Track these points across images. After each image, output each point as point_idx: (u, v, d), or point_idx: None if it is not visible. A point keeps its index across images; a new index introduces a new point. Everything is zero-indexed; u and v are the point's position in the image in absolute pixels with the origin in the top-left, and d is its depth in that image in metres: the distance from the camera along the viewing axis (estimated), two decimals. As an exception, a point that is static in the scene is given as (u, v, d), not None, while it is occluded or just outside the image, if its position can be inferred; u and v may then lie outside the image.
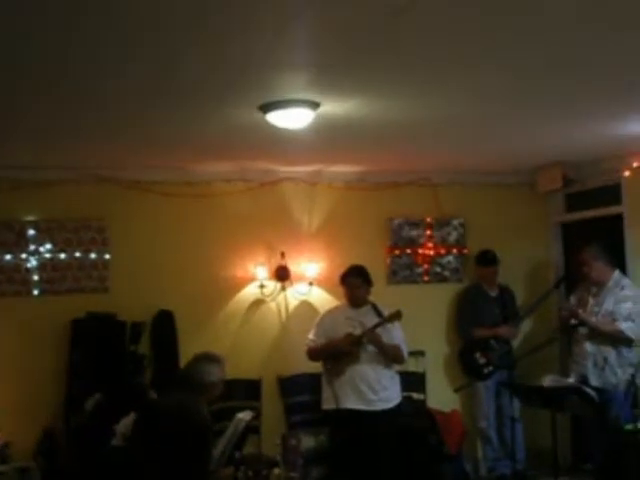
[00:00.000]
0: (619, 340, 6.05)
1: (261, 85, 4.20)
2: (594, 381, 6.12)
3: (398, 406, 5.95)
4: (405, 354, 5.98)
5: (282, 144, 5.65)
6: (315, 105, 4.57)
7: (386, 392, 5.85)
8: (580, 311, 6.24)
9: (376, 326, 5.73)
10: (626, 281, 6.24)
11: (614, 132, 5.64)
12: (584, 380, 6.12)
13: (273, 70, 3.94)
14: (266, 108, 4.59)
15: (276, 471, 3.44)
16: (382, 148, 6.11)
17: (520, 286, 7.37)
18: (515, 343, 7.10)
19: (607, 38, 3.56)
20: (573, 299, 6.48)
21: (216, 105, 4.61)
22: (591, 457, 6.42)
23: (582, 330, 6.26)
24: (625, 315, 6.03)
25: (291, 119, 4.65)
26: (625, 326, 5.99)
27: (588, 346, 6.21)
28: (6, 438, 5.85)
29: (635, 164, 6.43)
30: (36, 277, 6.44)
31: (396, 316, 5.79)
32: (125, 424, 3.78)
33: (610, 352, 6.11)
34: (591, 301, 6.28)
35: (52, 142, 5.54)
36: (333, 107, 4.65)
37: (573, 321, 6.24)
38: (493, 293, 7.16)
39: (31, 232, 6.44)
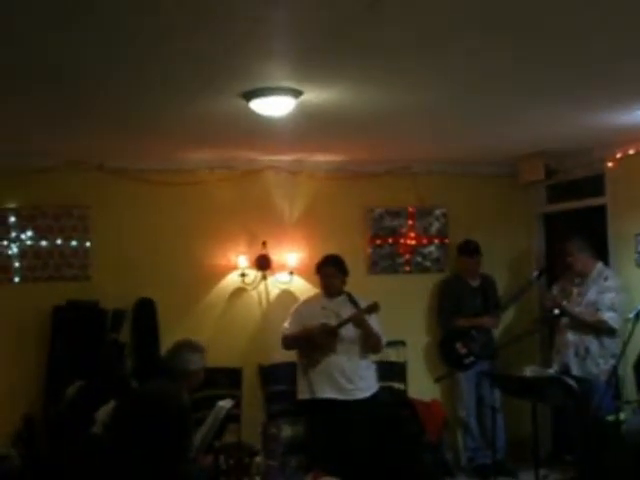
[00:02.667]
0: (602, 330, 6.09)
1: (244, 73, 4.18)
2: (575, 371, 6.16)
3: (375, 395, 5.93)
4: (383, 343, 5.97)
5: (264, 132, 5.63)
6: (297, 93, 4.56)
7: (362, 382, 5.82)
8: (564, 302, 6.27)
9: (352, 318, 5.70)
10: (609, 272, 6.28)
11: (597, 123, 5.64)
12: (566, 370, 6.16)
13: (256, 58, 3.92)
14: (249, 96, 4.57)
15: (257, 459, 3.43)
16: (364, 137, 6.10)
17: (502, 276, 7.39)
18: (496, 333, 7.12)
19: (592, 28, 3.55)
20: (556, 289, 6.51)
21: (199, 93, 4.58)
22: (571, 448, 6.45)
23: (564, 320, 6.29)
24: (608, 305, 6.07)
25: (273, 107, 4.63)
26: (608, 316, 6.03)
27: (570, 336, 6.25)
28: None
29: (618, 155, 6.44)
30: (17, 264, 6.41)
31: (373, 308, 5.73)
32: (105, 411, 3.78)
33: (592, 342, 6.15)
34: (574, 292, 6.32)
35: (34, 129, 5.49)
36: (315, 95, 4.64)
37: (556, 311, 6.27)
38: (474, 283, 7.17)
39: (12, 219, 6.41)
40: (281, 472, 3.39)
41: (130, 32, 3.49)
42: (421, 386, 7.01)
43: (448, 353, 6.99)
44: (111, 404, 3.71)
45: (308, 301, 6.14)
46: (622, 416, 5.65)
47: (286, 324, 5.98)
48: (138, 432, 2.64)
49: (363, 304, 5.77)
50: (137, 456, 2.61)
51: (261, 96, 4.55)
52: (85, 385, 4.70)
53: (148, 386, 3.56)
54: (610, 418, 5.74)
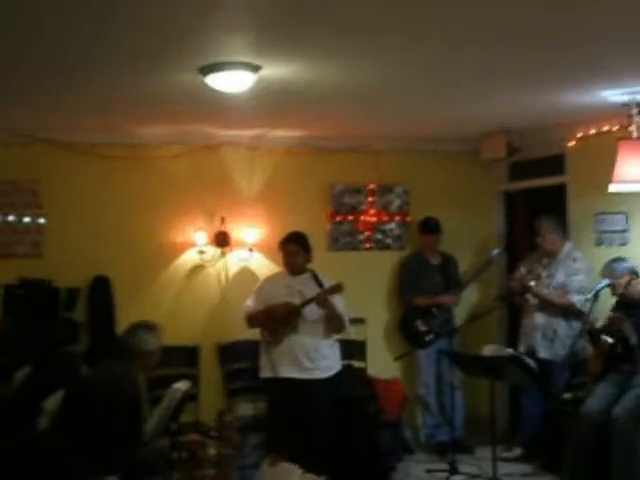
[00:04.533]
0: (570, 313, 6.10)
1: (200, 47, 4.07)
2: (542, 353, 6.19)
3: (338, 374, 5.91)
4: (346, 323, 5.93)
5: (223, 107, 5.51)
6: (256, 68, 4.44)
7: (325, 361, 5.79)
8: (532, 283, 6.26)
9: (315, 298, 5.63)
10: (577, 254, 6.29)
11: (560, 102, 5.61)
12: (532, 352, 6.18)
13: (212, 31, 3.81)
14: (205, 70, 4.45)
15: (211, 451, 3.36)
16: (324, 113, 6.00)
17: (463, 255, 7.35)
18: (456, 312, 7.11)
19: (551, 5, 3.48)
20: (522, 269, 6.50)
21: (153, 67, 4.46)
22: (528, 426, 6.50)
23: (532, 301, 6.29)
24: (577, 288, 6.09)
25: (231, 82, 4.51)
26: (577, 298, 6.05)
27: (538, 317, 6.28)
28: None
29: (579, 134, 6.43)
30: (-33, 241, 6.23)
31: (336, 289, 5.66)
32: (54, 401, 3.67)
33: (560, 324, 6.18)
34: (543, 273, 6.31)
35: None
36: (274, 70, 4.53)
37: (529, 296, 6.26)
38: (435, 261, 7.15)
39: (-38, 195, 6.22)
40: (237, 460, 3.33)
41: (82, 3, 3.34)
42: (381, 364, 6.98)
43: (408, 330, 6.98)
44: (59, 394, 3.61)
45: (271, 278, 6.07)
46: (579, 394, 5.70)
47: (249, 302, 5.91)
48: (86, 420, 2.57)
49: (327, 283, 5.71)
50: (86, 447, 2.54)
51: (218, 71, 4.42)
52: (33, 372, 4.59)
53: (97, 372, 3.49)
54: (567, 396, 5.80)
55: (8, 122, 6.00)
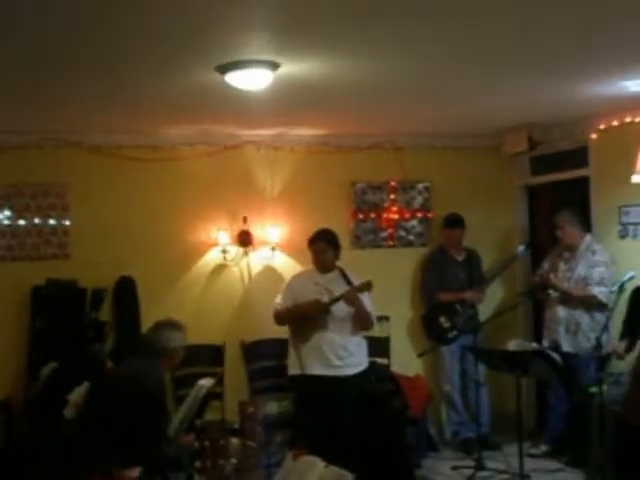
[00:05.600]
0: (592, 305, 6.06)
1: (218, 45, 4.07)
2: (566, 347, 6.15)
3: (365, 372, 5.92)
4: (374, 320, 5.94)
5: (243, 106, 5.53)
6: (274, 66, 4.46)
7: (352, 358, 5.81)
8: (552, 276, 6.24)
9: (344, 296, 5.64)
10: (598, 246, 6.24)
11: (581, 94, 5.57)
12: (555, 346, 6.15)
13: (230, 29, 3.81)
14: (224, 69, 4.47)
15: (233, 440, 3.39)
16: (345, 110, 6.01)
17: (486, 250, 7.34)
18: (480, 307, 7.08)
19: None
20: (546, 264, 6.48)
21: (173, 66, 4.48)
22: (555, 421, 6.46)
23: (554, 295, 6.27)
24: (598, 280, 6.05)
25: (250, 80, 4.52)
26: (598, 291, 6.01)
27: (560, 311, 6.24)
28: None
29: (602, 126, 6.39)
30: (-6, 244, 6.32)
31: (366, 286, 5.69)
32: (78, 393, 3.72)
33: (583, 317, 6.13)
34: (563, 267, 6.30)
35: (10, 106, 5.39)
36: (293, 68, 4.54)
37: (550, 292, 6.24)
38: (459, 257, 7.13)
39: (-12, 198, 6.31)
40: (261, 452, 3.35)
41: (104, 5, 3.38)
42: (404, 361, 6.99)
43: (432, 327, 6.97)
44: (84, 386, 3.65)
45: (300, 276, 6.09)
46: (604, 387, 5.65)
47: (278, 299, 5.94)
48: (110, 415, 2.61)
49: (356, 281, 5.73)
50: (109, 439, 2.58)
51: (237, 69, 4.44)
52: (58, 366, 4.65)
53: (122, 368, 3.52)
54: (593, 390, 5.75)
55: (35, 127, 6.08)
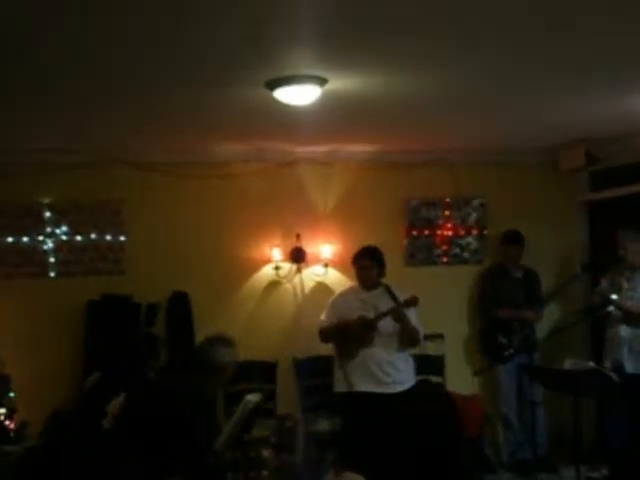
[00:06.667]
0: None
1: (266, 61, 4.11)
2: (630, 368, 5.97)
3: (412, 389, 5.84)
4: (421, 337, 5.87)
5: (293, 123, 5.56)
6: (322, 81, 4.47)
7: (400, 374, 5.74)
8: (613, 296, 6.08)
9: (391, 311, 5.60)
10: None
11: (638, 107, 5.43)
12: (618, 367, 5.98)
13: (278, 45, 3.84)
14: (272, 85, 4.51)
15: (265, 453, 3.36)
16: (397, 127, 5.99)
17: (544, 268, 7.18)
18: (537, 326, 6.94)
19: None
20: (605, 283, 6.32)
21: (223, 83, 4.54)
22: (614, 443, 6.27)
23: (616, 315, 6.11)
24: None
25: (297, 96, 4.56)
26: None
27: (623, 330, 6.06)
28: (25, 418, 5.85)
29: (662, 140, 6.24)
30: (52, 259, 6.49)
31: (412, 302, 5.61)
32: (115, 405, 3.76)
33: None
34: (625, 285, 6.12)
35: (70, 123, 5.50)
36: (341, 83, 4.55)
37: (611, 308, 6.08)
38: (517, 274, 7.01)
39: (47, 214, 6.48)
40: (306, 468, 3.32)
41: (156, 29, 3.44)
42: (460, 380, 6.87)
43: (488, 344, 6.86)
44: (121, 397, 3.69)
45: (345, 293, 6.05)
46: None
47: (323, 317, 5.92)
48: (144, 427, 2.61)
49: (401, 297, 5.66)
50: (141, 452, 2.58)
51: (285, 85, 4.48)
52: (101, 377, 4.70)
53: (165, 382, 3.53)
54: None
55: (93, 144, 6.21)
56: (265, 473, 3.09)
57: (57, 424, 3.91)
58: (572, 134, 6.53)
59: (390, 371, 5.70)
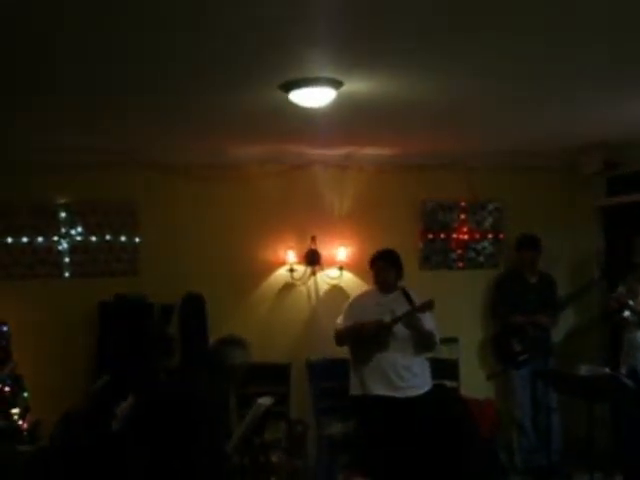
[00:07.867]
0: None
1: (281, 63, 4.09)
2: (646, 374, 5.93)
3: (428, 393, 5.81)
4: (437, 341, 5.83)
5: (309, 125, 5.55)
6: (337, 84, 4.45)
7: (416, 379, 5.71)
8: (630, 302, 6.03)
9: (406, 315, 5.57)
10: None
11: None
12: (634, 373, 5.93)
13: (292, 48, 3.82)
14: (287, 87, 4.50)
15: (274, 458, 3.35)
16: (413, 130, 5.96)
17: (559, 273, 7.15)
18: (553, 331, 6.89)
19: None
20: (622, 289, 6.27)
21: (238, 85, 4.52)
22: (624, 449, 6.22)
23: (632, 320, 6.06)
24: None
25: (312, 98, 4.54)
26: None
27: (639, 336, 6.00)
28: (39, 418, 5.87)
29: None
30: (67, 260, 6.51)
31: (428, 306, 5.57)
32: (123, 407, 3.75)
33: None
34: (642, 291, 6.08)
35: (86, 124, 5.51)
36: (357, 86, 4.53)
37: (626, 313, 6.03)
38: (533, 279, 6.96)
39: (63, 215, 6.50)
40: (317, 472, 3.30)
41: (172, 25, 3.43)
42: (474, 384, 6.84)
43: (501, 349, 6.82)
44: (130, 399, 3.68)
45: (362, 296, 6.03)
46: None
47: (339, 319, 5.89)
48: (153, 428, 2.61)
49: (418, 301, 5.62)
50: (148, 455, 2.57)
51: (300, 87, 4.46)
52: (109, 379, 4.70)
53: (173, 385, 3.52)
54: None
55: (109, 146, 6.22)
56: (274, 479, 3.07)
57: (67, 425, 3.91)
58: (589, 139, 6.48)
59: (405, 375, 5.67)
